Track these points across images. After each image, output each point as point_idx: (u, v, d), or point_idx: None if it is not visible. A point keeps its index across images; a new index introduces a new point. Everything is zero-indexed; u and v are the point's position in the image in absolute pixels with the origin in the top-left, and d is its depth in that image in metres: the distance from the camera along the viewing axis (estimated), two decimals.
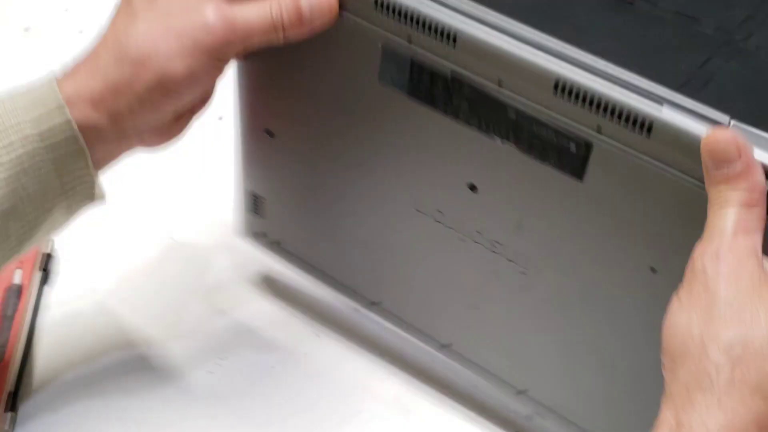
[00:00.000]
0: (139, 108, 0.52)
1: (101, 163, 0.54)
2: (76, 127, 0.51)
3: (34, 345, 0.68)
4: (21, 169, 0.50)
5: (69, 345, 0.68)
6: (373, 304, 0.66)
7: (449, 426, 0.65)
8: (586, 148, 0.51)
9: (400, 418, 0.65)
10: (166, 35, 0.51)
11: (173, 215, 0.79)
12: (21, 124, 0.50)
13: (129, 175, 0.83)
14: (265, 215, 0.68)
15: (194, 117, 0.58)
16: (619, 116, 0.50)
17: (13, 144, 0.50)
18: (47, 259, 0.73)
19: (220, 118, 0.89)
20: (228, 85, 0.94)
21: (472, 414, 0.66)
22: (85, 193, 0.54)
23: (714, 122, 0.47)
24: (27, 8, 1.02)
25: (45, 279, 0.73)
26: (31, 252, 0.72)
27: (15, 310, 0.68)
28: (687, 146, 0.48)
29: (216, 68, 0.53)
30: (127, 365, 0.67)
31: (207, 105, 0.57)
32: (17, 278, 0.71)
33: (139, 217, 0.79)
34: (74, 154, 0.52)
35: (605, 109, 0.50)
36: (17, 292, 0.70)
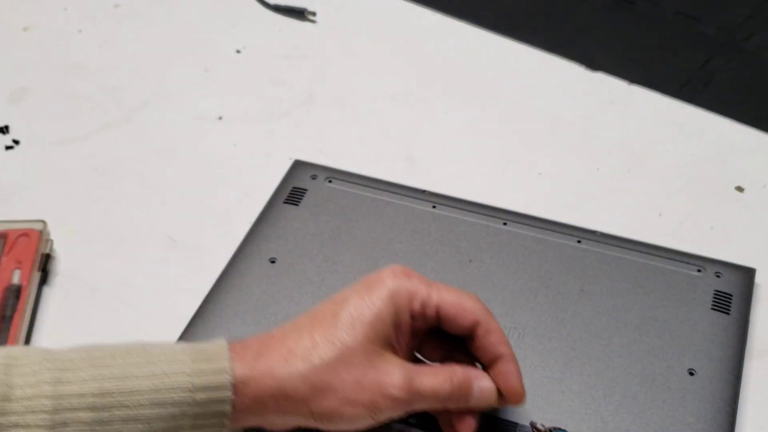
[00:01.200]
0: (284, 422, 0.54)
1: None
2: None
3: (34, 345, 0.67)
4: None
5: (69, 345, 0.67)
6: None
7: None
8: None
9: None
10: (353, 378, 0.52)
11: (173, 215, 0.79)
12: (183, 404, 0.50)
13: (129, 175, 0.83)
14: None
15: None
16: None
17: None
18: (47, 259, 0.73)
19: (220, 118, 0.89)
20: (229, 84, 0.94)
21: None
22: None
23: None
24: (27, 8, 1.02)
25: (45, 279, 0.73)
26: (30, 252, 0.72)
27: (15, 310, 0.68)
28: None
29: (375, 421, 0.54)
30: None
31: None
32: (17, 278, 0.71)
33: (139, 217, 0.79)
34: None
35: None
36: (17, 292, 0.70)
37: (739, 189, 0.80)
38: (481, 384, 0.55)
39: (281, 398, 0.51)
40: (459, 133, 0.83)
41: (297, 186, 0.78)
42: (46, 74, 0.94)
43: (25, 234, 0.73)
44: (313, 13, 1.00)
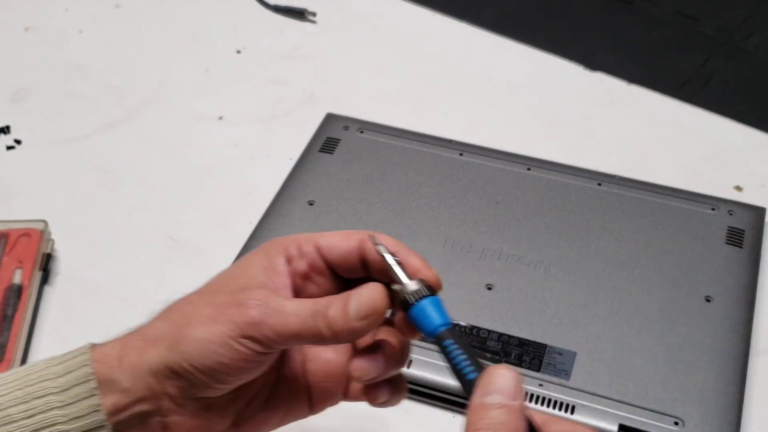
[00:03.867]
0: (163, 372, 0.47)
1: None
2: (104, 411, 0.47)
3: (34, 345, 0.68)
4: None
5: (69, 345, 0.67)
6: None
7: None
8: None
9: None
10: (205, 304, 0.48)
11: (173, 215, 0.79)
12: (48, 397, 0.47)
13: (130, 175, 0.83)
14: None
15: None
16: None
17: (39, 422, 0.46)
18: (48, 258, 0.73)
19: (220, 118, 0.89)
20: (229, 85, 0.94)
21: None
22: None
23: None
24: (27, 8, 1.02)
25: (45, 279, 0.73)
26: (31, 252, 0.72)
27: (16, 310, 0.69)
28: None
29: (244, 355, 0.46)
30: None
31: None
32: (18, 278, 0.71)
33: (139, 216, 0.79)
34: None
35: None
36: (18, 291, 0.70)
37: (738, 188, 0.81)
38: (360, 291, 0.47)
39: (141, 347, 0.47)
40: (459, 133, 0.83)
41: (331, 136, 0.82)
42: (47, 74, 0.94)
43: (26, 234, 0.73)
44: (313, 13, 1.00)
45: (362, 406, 0.65)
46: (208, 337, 0.46)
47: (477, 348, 0.64)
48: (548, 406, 0.61)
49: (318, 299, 0.47)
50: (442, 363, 0.63)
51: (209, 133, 0.88)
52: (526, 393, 0.62)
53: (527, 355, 0.64)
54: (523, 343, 0.65)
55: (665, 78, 0.92)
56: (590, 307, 0.67)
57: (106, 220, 0.79)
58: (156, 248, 0.76)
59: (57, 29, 1.00)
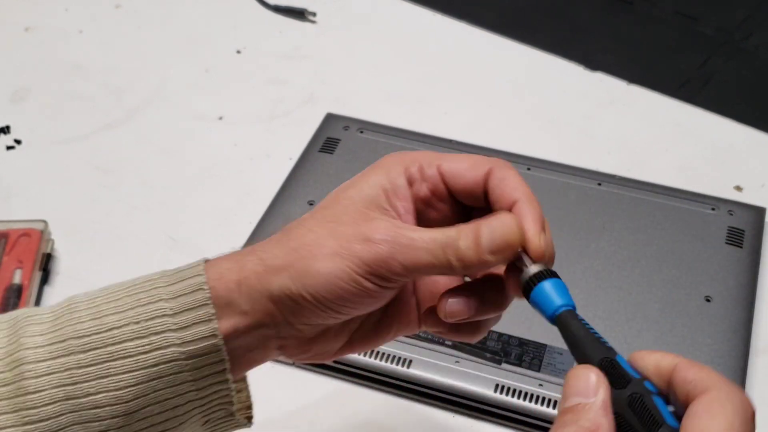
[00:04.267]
0: (284, 300, 0.46)
1: (236, 374, 0.48)
2: (221, 336, 0.45)
3: None
4: (155, 372, 0.45)
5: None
6: None
7: None
8: None
9: None
10: (328, 235, 0.46)
11: (173, 215, 0.79)
12: (162, 318, 0.45)
13: (130, 175, 0.83)
14: None
15: (354, 350, 0.50)
16: None
17: (152, 342, 0.45)
18: (48, 258, 0.73)
19: (220, 118, 0.89)
20: (229, 85, 0.94)
21: None
22: (224, 409, 0.47)
23: None
24: (27, 8, 1.02)
25: (45, 279, 0.73)
26: (31, 252, 0.72)
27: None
28: None
29: (369, 290, 0.45)
30: None
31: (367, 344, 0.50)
32: (17, 278, 0.71)
33: (139, 216, 0.79)
34: (214, 366, 0.46)
35: None
36: (17, 292, 0.70)
37: (738, 188, 0.81)
38: (492, 222, 0.45)
39: (262, 273, 0.46)
40: (459, 133, 0.83)
41: (331, 136, 0.82)
42: (47, 74, 0.94)
43: (26, 234, 0.73)
44: (313, 13, 1.00)
45: (362, 407, 0.66)
46: (334, 272, 0.44)
47: (477, 348, 0.64)
48: (548, 406, 0.61)
49: (446, 229, 0.45)
50: (442, 363, 0.64)
51: (209, 133, 0.88)
52: (526, 393, 0.62)
53: (527, 355, 0.64)
54: (523, 342, 0.65)
55: (665, 78, 0.92)
56: (590, 307, 0.67)
57: (106, 220, 0.79)
58: (156, 248, 0.76)
59: (57, 29, 1.00)
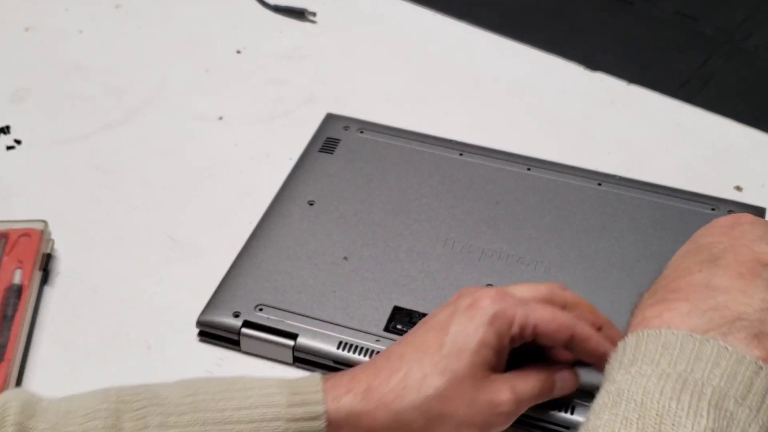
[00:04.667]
0: None
1: None
2: None
3: (34, 345, 0.68)
4: None
5: (69, 345, 0.68)
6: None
7: None
8: None
9: None
10: (466, 403, 0.54)
11: (173, 215, 0.79)
12: None
13: (130, 175, 0.83)
14: None
15: None
16: None
17: None
18: (48, 258, 0.73)
19: (220, 118, 0.89)
20: (229, 84, 0.94)
21: None
22: None
23: None
24: (27, 8, 1.02)
25: (45, 279, 0.73)
26: (31, 252, 0.72)
27: (16, 310, 0.69)
28: None
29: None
30: (127, 366, 0.67)
31: None
32: (17, 278, 0.71)
33: (139, 217, 0.79)
34: None
35: None
36: (17, 292, 0.70)
37: (738, 188, 0.81)
38: (563, 375, 0.58)
39: (397, 430, 0.53)
40: (459, 133, 0.83)
41: (331, 136, 0.82)
42: (47, 74, 0.94)
43: (26, 234, 0.73)
44: (313, 13, 1.00)
45: None
46: None
47: None
48: (548, 406, 0.61)
49: (539, 376, 0.57)
50: None
51: (209, 133, 0.88)
52: None
53: None
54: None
55: (665, 78, 0.92)
56: None
57: (106, 220, 0.79)
58: (156, 248, 0.76)
59: (57, 29, 1.00)
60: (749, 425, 0.39)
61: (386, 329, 0.66)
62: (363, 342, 0.65)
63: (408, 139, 0.82)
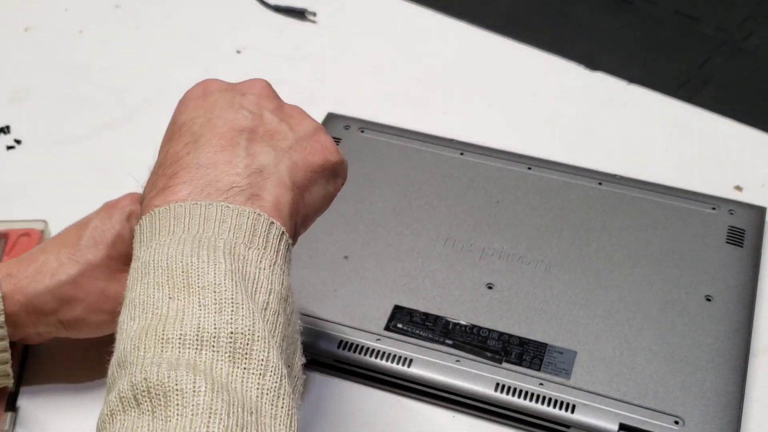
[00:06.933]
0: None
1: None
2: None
3: (34, 345, 0.67)
4: None
5: (69, 345, 0.68)
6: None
7: None
8: None
9: None
10: (97, 290, 0.61)
11: None
12: None
13: (129, 175, 0.83)
14: None
15: None
16: None
17: None
18: None
19: None
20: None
21: None
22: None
23: None
24: (27, 8, 1.02)
25: None
26: None
27: None
28: None
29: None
30: None
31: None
32: None
33: None
34: None
35: None
36: None
37: (738, 188, 0.81)
38: None
39: (32, 312, 0.59)
40: (459, 132, 0.83)
41: (332, 136, 0.81)
42: (47, 74, 0.94)
43: (26, 234, 0.73)
44: (313, 13, 1.00)
45: (362, 407, 0.65)
46: (98, 325, 0.62)
47: (477, 347, 0.64)
48: (548, 405, 0.61)
49: None
50: (442, 362, 0.64)
51: None
52: (527, 392, 0.62)
53: (527, 354, 0.64)
54: (523, 342, 0.65)
55: (665, 78, 0.92)
56: (590, 306, 0.67)
57: None
58: None
59: (57, 29, 1.00)
60: (261, 260, 0.45)
61: (387, 328, 0.66)
62: (363, 341, 0.65)
63: (409, 139, 0.82)
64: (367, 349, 0.65)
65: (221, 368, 0.41)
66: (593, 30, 0.99)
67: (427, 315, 0.67)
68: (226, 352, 0.41)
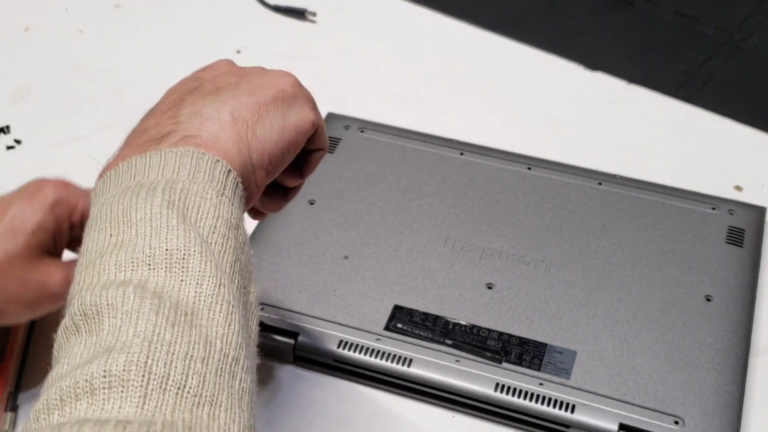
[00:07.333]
0: None
1: None
2: None
3: (34, 345, 0.68)
4: None
5: None
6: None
7: None
8: None
9: None
10: (16, 281, 0.58)
11: None
12: None
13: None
14: None
15: None
16: None
17: None
18: None
19: None
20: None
21: None
22: None
23: None
24: (27, 8, 1.02)
25: None
26: None
27: None
28: None
29: None
30: None
31: None
32: None
33: None
34: None
35: None
36: None
37: (738, 188, 0.81)
38: None
39: None
40: (459, 132, 0.83)
41: (331, 135, 0.82)
42: (47, 74, 0.94)
43: None
44: (313, 13, 1.00)
45: (362, 407, 0.66)
46: (17, 314, 0.61)
47: (477, 347, 0.64)
48: (548, 405, 0.61)
49: None
50: (442, 362, 0.64)
51: None
52: (527, 392, 0.62)
53: (527, 354, 0.64)
54: (523, 342, 0.65)
55: (665, 78, 0.92)
56: (590, 306, 0.67)
57: None
58: None
59: (57, 29, 1.00)
60: (206, 192, 0.45)
61: (386, 328, 0.66)
62: (363, 341, 0.65)
63: (408, 139, 0.82)
64: (367, 349, 0.65)
65: (156, 281, 0.41)
66: (593, 30, 0.99)
67: (426, 315, 0.67)
68: (162, 268, 0.41)
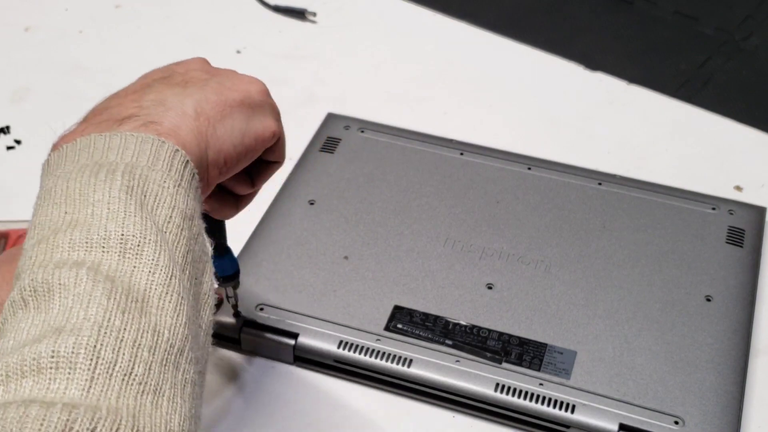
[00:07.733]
0: None
1: None
2: None
3: None
4: None
5: None
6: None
7: None
8: None
9: None
10: None
11: None
12: None
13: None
14: None
15: None
16: None
17: None
18: None
19: None
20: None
21: None
22: None
23: None
24: (27, 8, 1.02)
25: None
26: None
27: None
28: None
29: None
30: None
31: None
32: None
33: None
34: None
35: None
36: None
37: (738, 188, 0.81)
38: None
39: None
40: (459, 132, 0.83)
41: (331, 136, 0.82)
42: (47, 74, 0.94)
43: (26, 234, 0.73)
44: (313, 13, 1.00)
45: (362, 407, 0.66)
46: None
47: (477, 347, 0.64)
48: (548, 405, 0.61)
49: None
50: (442, 362, 0.64)
51: None
52: (527, 392, 0.62)
53: (527, 354, 0.64)
54: (523, 342, 0.65)
55: (665, 78, 0.92)
56: (590, 306, 0.67)
57: None
58: None
59: (57, 29, 1.00)
60: (164, 181, 0.45)
61: (386, 328, 0.66)
62: (363, 341, 0.65)
63: (408, 139, 0.82)
64: (367, 349, 0.65)
65: (109, 264, 0.41)
66: (593, 30, 0.99)
67: (427, 315, 0.67)
68: (116, 252, 0.41)
